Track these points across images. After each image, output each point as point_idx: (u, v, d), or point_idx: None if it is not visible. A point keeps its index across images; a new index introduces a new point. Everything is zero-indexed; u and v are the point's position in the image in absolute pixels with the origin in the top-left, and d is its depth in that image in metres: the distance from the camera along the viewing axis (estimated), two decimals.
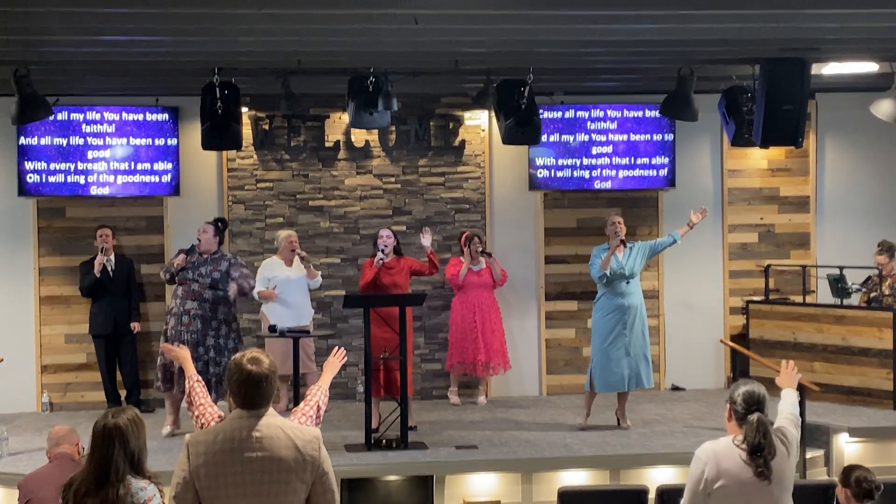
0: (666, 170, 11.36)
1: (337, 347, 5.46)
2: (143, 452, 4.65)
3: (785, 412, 5.20)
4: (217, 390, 9.09)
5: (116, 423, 4.57)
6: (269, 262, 10.20)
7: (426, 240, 9.74)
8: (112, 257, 10.44)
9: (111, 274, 10.40)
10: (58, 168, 10.74)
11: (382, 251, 9.45)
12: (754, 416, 4.83)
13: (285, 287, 10.09)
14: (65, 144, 10.75)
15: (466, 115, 11.24)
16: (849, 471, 5.79)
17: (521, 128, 9.47)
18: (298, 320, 9.90)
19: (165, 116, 10.89)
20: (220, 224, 9.63)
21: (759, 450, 4.77)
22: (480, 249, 10.67)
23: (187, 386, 5.13)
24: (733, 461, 4.81)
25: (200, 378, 5.12)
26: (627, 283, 9.38)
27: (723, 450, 4.87)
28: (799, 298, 11.14)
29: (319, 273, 10.29)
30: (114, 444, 4.54)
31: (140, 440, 4.65)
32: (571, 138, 11.29)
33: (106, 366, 10.51)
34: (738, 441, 4.84)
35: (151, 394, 10.48)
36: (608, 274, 9.32)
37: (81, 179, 10.78)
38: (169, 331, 9.30)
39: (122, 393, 10.65)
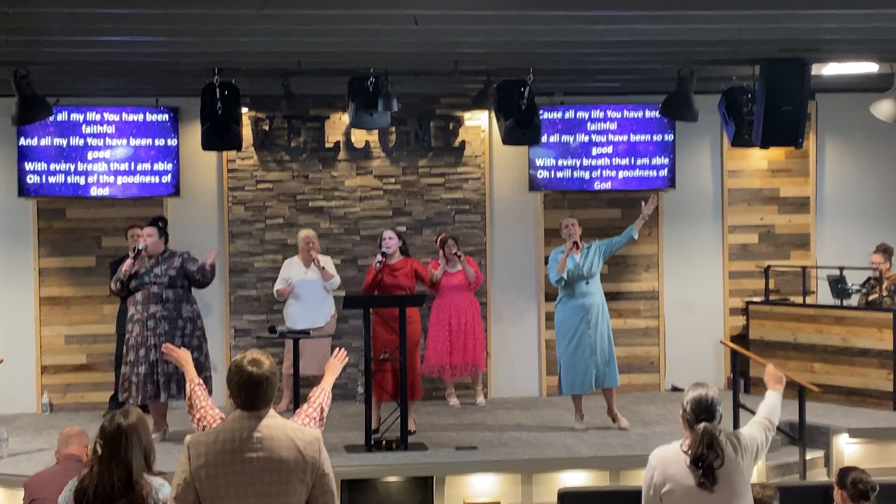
0: (666, 170, 11.35)
1: (338, 349, 5.47)
2: (153, 450, 4.66)
3: (759, 416, 5.18)
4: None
5: (131, 422, 4.58)
6: (289, 262, 10.46)
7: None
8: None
9: None
10: (58, 169, 10.74)
11: (384, 253, 9.47)
12: (700, 426, 4.84)
13: (301, 287, 10.28)
14: (65, 145, 10.75)
15: (466, 115, 11.24)
16: (844, 472, 5.78)
17: (521, 128, 9.47)
18: (313, 321, 10.05)
19: (165, 117, 10.89)
20: (160, 223, 9.41)
21: (701, 460, 4.78)
22: (454, 251, 10.61)
23: (188, 389, 5.13)
24: (678, 466, 4.84)
25: (202, 382, 5.13)
26: (587, 283, 9.43)
27: (670, 455, 4.91)
28: (799, 299, 11.14)
29: (336, 275, 10.34)
30: (131, 443, 4.55)
31: (150, 438, 4.69)
32: (571, 139, 11.29)
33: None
34: (686, 447, 4.86)
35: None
36: (566, 276, 9.35)
37: (81, 180, 10.78)
38: (132, 339, 9.08)
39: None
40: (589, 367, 9.41)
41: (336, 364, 5.32)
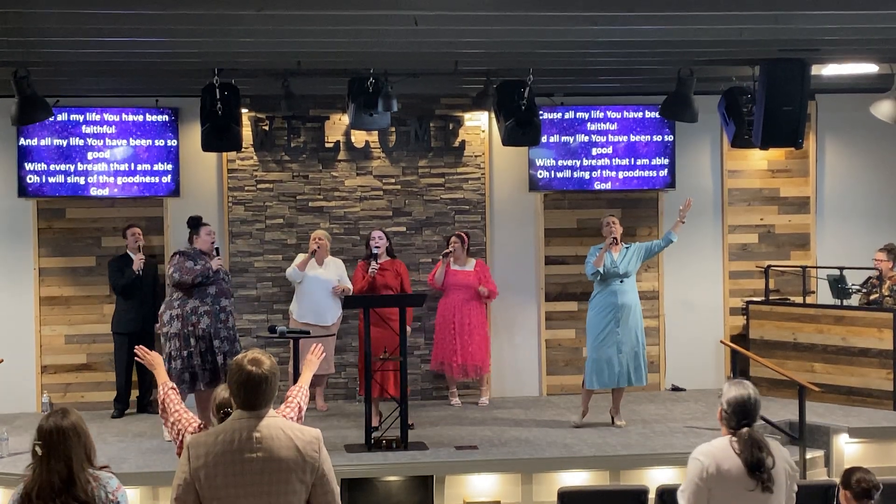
0: (666, 171, 11.36)
1: (315, 345, 5.47)
2: (93, 447, 4.66)
3: None
4: None
5: (70, 421, 4.57)
6: (304, 256, 10.58)
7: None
8: (143, 256, 10.38)
9: (140, 273, 10.37)
10: (58, 169, 10.74)
11: (374, 256, 9.62)
12: (745, 433, 4.72)
13: (310, 285, 10.40)
14: (65, 145, 10.75)
15: (466, 116, 11.25)
16: (849, 473, 5.79)
17: (521, 129, 9.48)
18: (320, 319, 10.25)
19: (165, 117, 10.89)
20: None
21: (759, 464, 4.67)
22: (448, 250, 10.55)
23: (161, 392, 5.18)
24: (732, 462, 4.71)
25: (175, 386, 5.21)
26: (622, 281, 9.51)
27: (720, 451, 4.76)
28: (799, 299, 11.15)
29: (351, 289, 10.41)
30: (70, 439, 4.53)
31: (89, 435, 4.64)
32: (571, 139, 11.29)
33: (126, 365, 10.47)
34: (737, 448, 4.73)
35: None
36: (601, 271, 9.44)
37: (81, 180, 10.78)
38: (201, 330, 9.13)
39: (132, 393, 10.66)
40: (613, 363, 9.50)
41: (313, 360, 5.38)
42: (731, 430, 4.79)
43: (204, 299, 9.22)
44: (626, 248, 9.61)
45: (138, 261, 10.31)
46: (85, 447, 4.59)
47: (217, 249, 9.37)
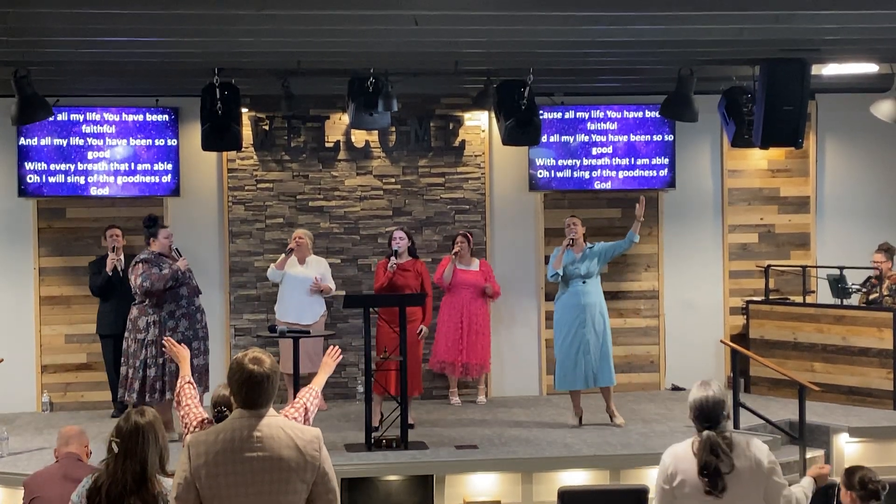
0: (666, 170, 11.36)
1: (332, 347, 5.45)
2: (167, 451, 4.67)
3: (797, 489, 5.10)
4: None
5: (148, 420, 4.58)
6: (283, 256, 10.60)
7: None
8: (121, 257, 10.39)
9: (120, 274, 10.34)
10: (58, 169, 10.74)
11: (396, 253, 9.61)
12: (704, 435, 4.80)
13: (290, 284, 10.39)
14: (65, 145, 10.75)
15: (466, 115, 11.25)
16: (851, 472, 5.64)
17: (521, 128, 9.47)
18: (300, 318, 10.16)
19: (165, 117, 10.89)
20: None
21: (706, 467, 4.75)
22: (455, 251, 10.56)
23: (178, 385, 5.18)
24: (689, 464, 4.82)
25: (192, 381, 5.21)
26: (584, 282, 9.55)
27: (682, 452, 4.89)
28: (799, 299, 11.14)
29: (333, 288, 10.52)
30: (148, 441, 4.55)
31: (166, 439, 4.69)
32: (571, 139, 11.29)
33: (114, 366, 10.46)
34: (696, 448, 4.83)
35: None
36: (560, 273, 9.47)
37: (81, 180, 10.78)
38: (180, 333, 9.09)
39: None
40: (578, 364, 9.53)
41: (329, 363, 5.31)
42: (698, 432, 4.87)
43: (179, 302, 9.22)
44: (590, 248, 9.62)
45: (110, 261, 10.29)
46: (160, 452, 4.59)
47: (177, 250, 9.34)
